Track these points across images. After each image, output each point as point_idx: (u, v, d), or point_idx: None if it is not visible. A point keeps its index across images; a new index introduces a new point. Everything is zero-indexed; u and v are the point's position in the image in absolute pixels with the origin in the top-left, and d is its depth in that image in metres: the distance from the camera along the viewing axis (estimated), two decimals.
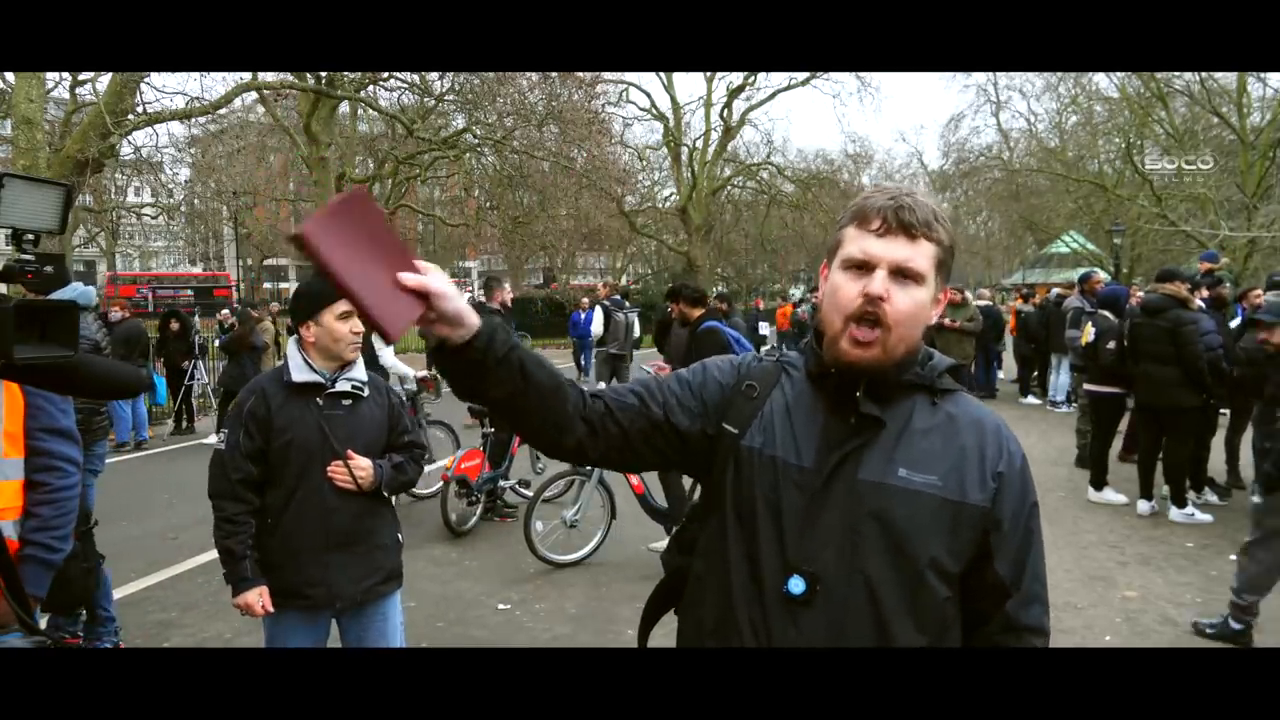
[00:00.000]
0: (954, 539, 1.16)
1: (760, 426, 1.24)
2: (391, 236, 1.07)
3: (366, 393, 2.56)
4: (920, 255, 1.16)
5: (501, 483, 6.55)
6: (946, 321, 10.39)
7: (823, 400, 1.23)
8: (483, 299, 7.19)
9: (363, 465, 2.48)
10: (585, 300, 14.92)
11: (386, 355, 6.75)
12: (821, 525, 1.17)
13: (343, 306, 2.48)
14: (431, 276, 1.07)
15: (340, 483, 2.46)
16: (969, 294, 11.32)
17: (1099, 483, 6.87)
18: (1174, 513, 6.27)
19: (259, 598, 2.49)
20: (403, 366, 6.93)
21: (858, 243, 1.17)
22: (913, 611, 1.15)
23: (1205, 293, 7.26)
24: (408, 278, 1.05)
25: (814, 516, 1.17)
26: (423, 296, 1.06)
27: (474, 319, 1.11)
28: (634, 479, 5.35)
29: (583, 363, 14.26)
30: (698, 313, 5.32)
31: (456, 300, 1.09)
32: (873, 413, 1.18)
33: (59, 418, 2.16)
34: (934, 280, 1.18)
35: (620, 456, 1.28)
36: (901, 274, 1.15)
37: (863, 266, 1.16)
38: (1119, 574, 5.13)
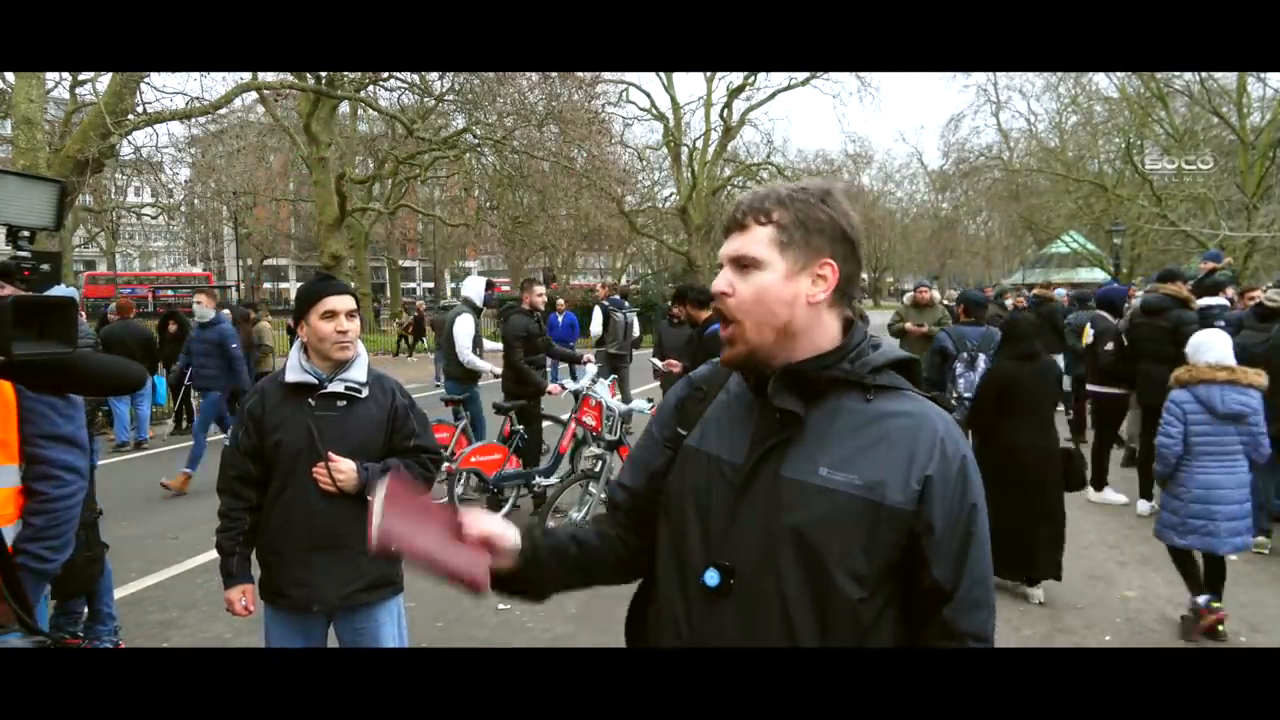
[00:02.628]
0: (871, 540, 1.13)
1: (703, 425, 1.29)
2: (433, 504, 1.24)
3: (365, 394, 2.52)
4: (750, 241, 1.19)
5: (541, 480, 6.46)
6: (909, 326, 9.06)
7: (757, 398, 1.24)
8: (468, 295, 7.17)
9: (343, 468, 2.44)
10: (562, 302, 14.73)
11: (466, 353, 6.73)
12: (743, 520, 1.18)
13: (326, 306, 2.46)
14: (483, 521, 1.22)
15: (322, 484, 2.44)
16: (936, 293, 10.03)
17: (1099, 483, 6.87)
18: None
19: (241, 596, 2.54)
20: (482, 364, 6.91)
21: None
22: (819, 611, 1.14)
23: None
24: (470, 530, 1.19)
25: (737, 512, 1.19)
26: (486, 541, 1.21)
27: (517, 539, 1.25)
28: None
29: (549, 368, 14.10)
30: (704, 314, 5.29)
31: (509, 532, 1.24)
32: (786, 406, 1.17)
33: (60, 424, 2.08)
34: (781, 260, 1.18)
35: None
36: (740, 265, 1.20)
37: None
38: (1119, 574, 5.13)
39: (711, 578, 1.18)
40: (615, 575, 1.38)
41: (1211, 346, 4.34)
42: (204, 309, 7.88)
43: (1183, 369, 4.40)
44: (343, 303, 2.49)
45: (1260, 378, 4.28)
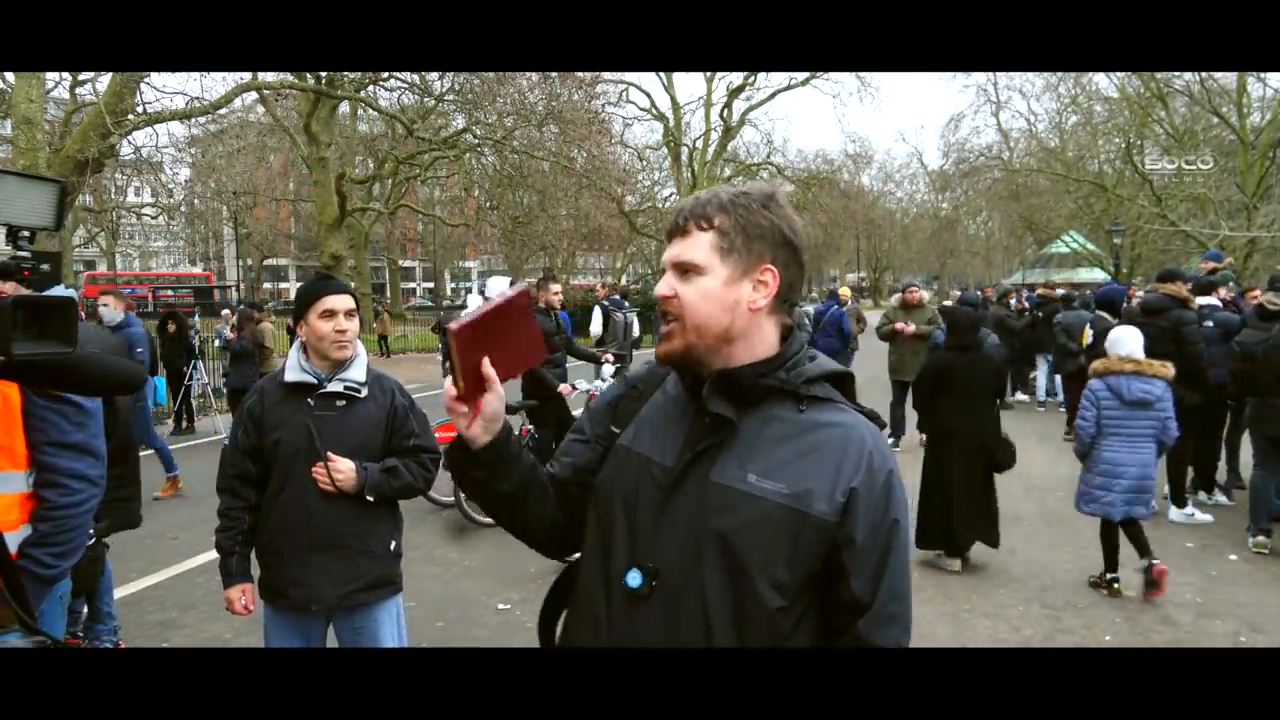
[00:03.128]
0: (795, 549, 1.13)
1: (636, 425, 1.29)
2: (520, 338, 1.26)
3: (364, 394, 2.52)
4: (692, 247, 1.20)
5: None
6: (899, 326, 8.69)
7: (691, 401, 1.24)
8: (483, 294, 7.17)
9: (341, 468, 2.43)
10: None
11: None
12: (669, 523, 1.18)
13: (324, 305, 2.46)
14: (496, 401, 1.24)
15: (321, 484, 2.44)
16: (925, 294, 9.58)
17: None
18: (1174, 513, 6.27)
19: (240, 595, 2.55)
20: None
21: None
22: (738, 618, 1.14)
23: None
24: (488, 368, 1.20)
25: (664, 514, 1.19)
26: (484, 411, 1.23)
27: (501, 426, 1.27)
28: None
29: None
30: None
31: (499, 422, 1.26)
32: (719, 410, 1.18)
33: (70, 431, 2.08)
34: (721, 265, 1.19)
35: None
36: (682, 269, 1.20)
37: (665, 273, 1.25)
38: (1119, 574, 5.13)
39: (634, 579, 1.18)
40: (538, 529, 1.36)
41: (1123, 342, 4.88)
42: (111, 311, 7.18)
43: (1099, 361, 4.96)
44: (341, 302, 2.48)
45: (1165, 369, 4.78)
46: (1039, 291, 12.64)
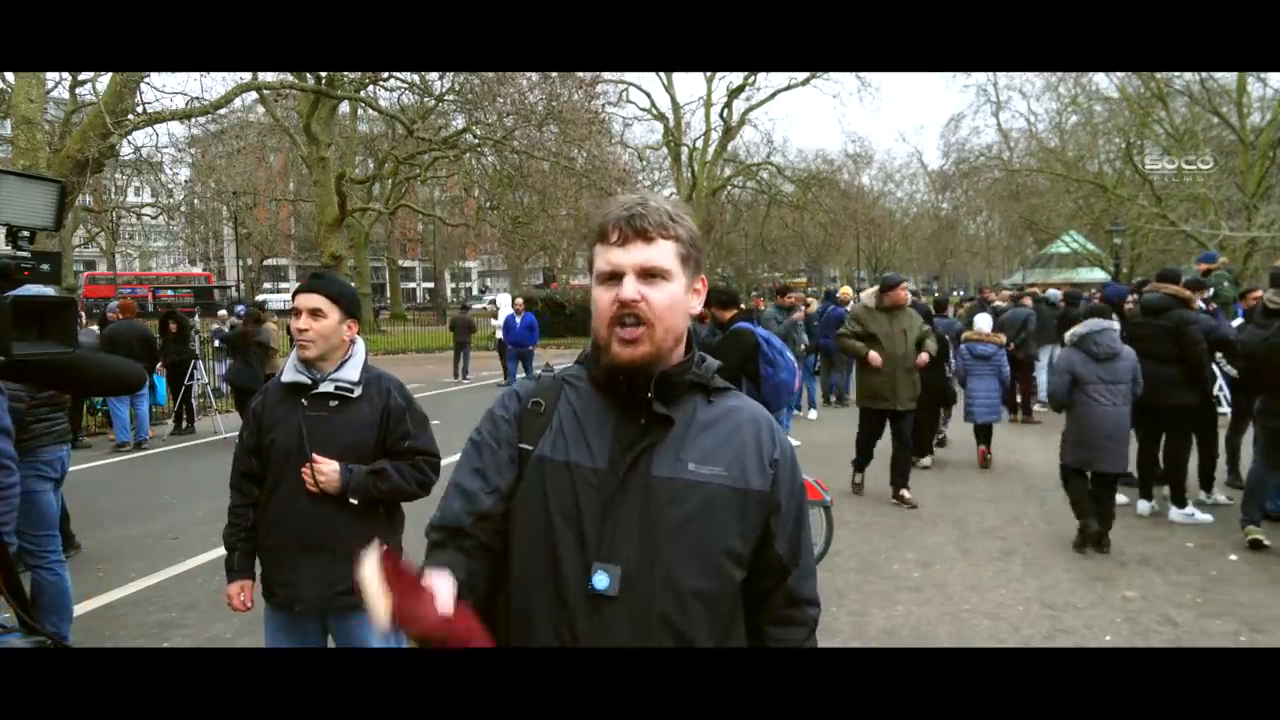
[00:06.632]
0: (744, 523, 1.25)
1: (550, 437, 1.29)
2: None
3: (357, 394, 2.50)
4: (660, 253, 1.24)
5: None
6: (871, 357, 6.70)
7: (612, 404, 1.27)
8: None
9: (324, 469, 2.42)
10: (520, 302, 14.66)
11: None
12: (620, 523, 1.22)
13: (295, 303, 2.47)
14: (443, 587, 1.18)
15: (307, 485, 2.43)
16: (848, 289, 9.52)
17: None
18: (1174, 513, 6.26)
19: (239, 591, 2.56)
20: None
21: (604, 257, 1.25)
22: (710, 598, 1.22)
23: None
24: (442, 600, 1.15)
25: (612, 515, 1.22)
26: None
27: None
28: None
29: (512, 370, 13.90)
30: (729, 314, 5.26)
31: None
32: (663, 412, 1.25)
33: (3, 416, 2.14)
34: (683, 273, 1.26)
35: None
36: (649, 274, 1.23)
37: (613, 276, 1.23)
38: (1119, 574, 5.13)
39: (601, 581, 1.20)
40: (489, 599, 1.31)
41: (976, 322, 8.64)
42: None
43: (965, 333, 8.57)
44: (304, 300, 2.45)
45: (997, 337, 8.43)
46: (1066, 291, 12.75)
